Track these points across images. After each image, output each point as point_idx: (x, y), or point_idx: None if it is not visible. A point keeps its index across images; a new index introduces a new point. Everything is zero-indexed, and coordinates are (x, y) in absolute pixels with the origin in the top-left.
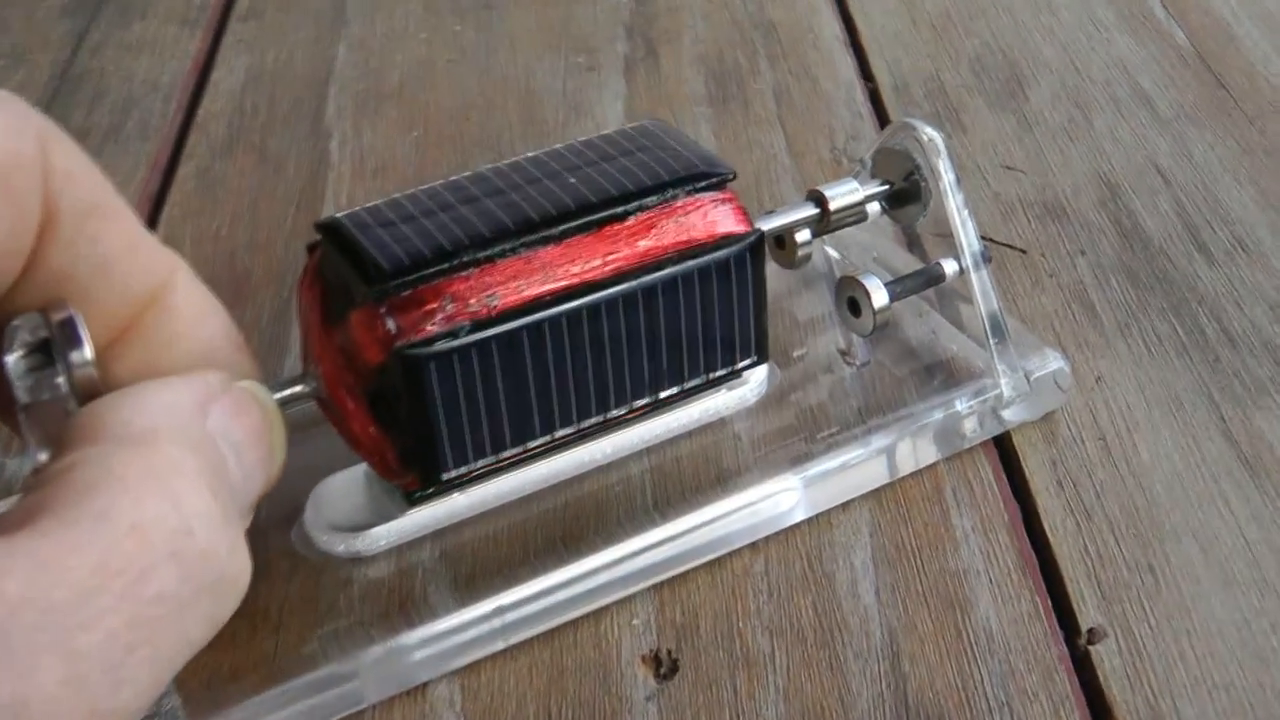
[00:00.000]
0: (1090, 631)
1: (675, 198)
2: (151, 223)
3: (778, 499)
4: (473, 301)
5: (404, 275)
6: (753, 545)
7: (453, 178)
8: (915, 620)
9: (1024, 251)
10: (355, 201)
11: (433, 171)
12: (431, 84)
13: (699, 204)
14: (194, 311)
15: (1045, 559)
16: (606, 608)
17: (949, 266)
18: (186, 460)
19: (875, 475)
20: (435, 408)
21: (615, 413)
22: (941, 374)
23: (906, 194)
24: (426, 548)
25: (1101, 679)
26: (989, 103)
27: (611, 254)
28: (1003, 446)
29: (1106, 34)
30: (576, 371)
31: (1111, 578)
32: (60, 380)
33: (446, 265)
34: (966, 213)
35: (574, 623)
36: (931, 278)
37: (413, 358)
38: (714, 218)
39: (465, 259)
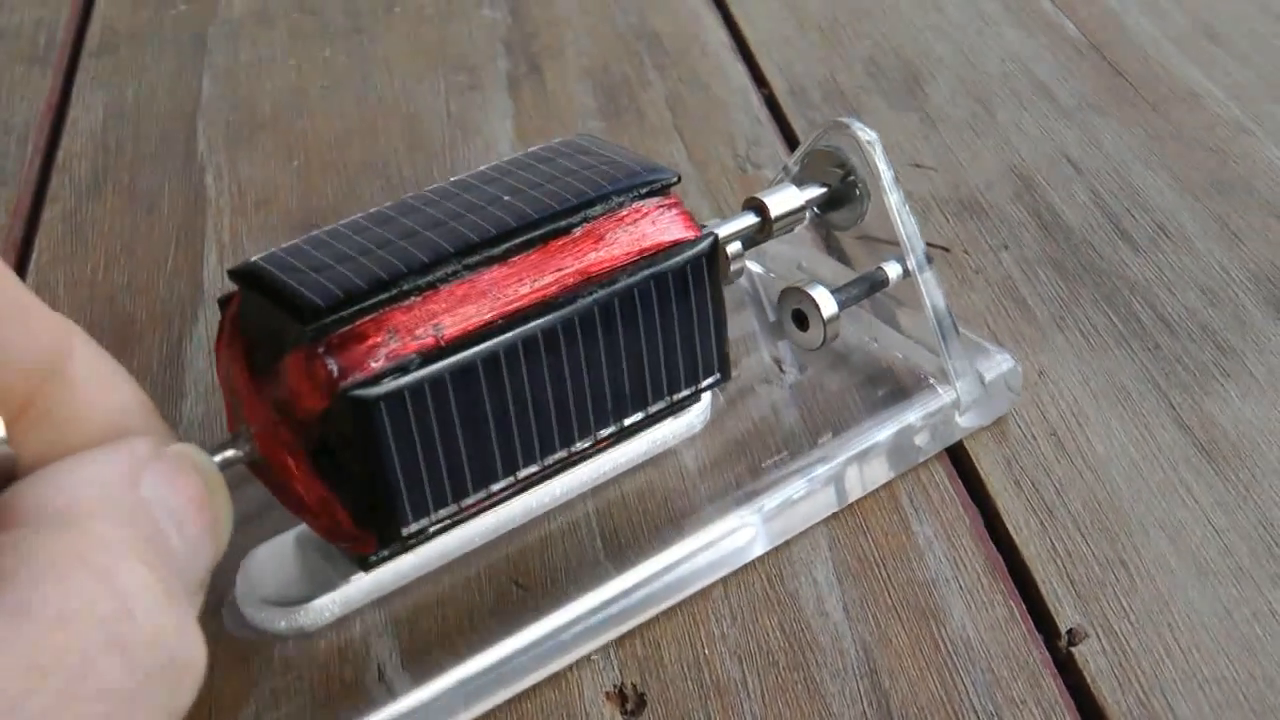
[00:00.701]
0: (1070, 632)
1: (620, 206)
2: (20, 270)
3: (736, 536)
4: (418, 332)
5: (340, 309)
6: None
7: (374, 209)
8: (889, 634)
9: (947, 249)
10: (239, 236)
11: (318, 201)
12: (307, 111)
13: (645, 211)
14: (97, 381)
15: (1013, 561)
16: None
17: (891, 270)
18: (116, 534)
19: (831, 501)
20: (390, 453)
21: (580, 445)
22: (886, 384)
23: (841, 197)
24: (371, 615)
25: (1089, 680)
26: (889, 103)
27: (560, 269)
28: (954, 449)
29: (996, 28)
30: (536, 400)
31: (1084, 575)
32: None
33: (385, 295)
34: (908, 213)
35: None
36: (875, 283)
37: (361, 399)
38: (663, 224)
39: (405, 287)
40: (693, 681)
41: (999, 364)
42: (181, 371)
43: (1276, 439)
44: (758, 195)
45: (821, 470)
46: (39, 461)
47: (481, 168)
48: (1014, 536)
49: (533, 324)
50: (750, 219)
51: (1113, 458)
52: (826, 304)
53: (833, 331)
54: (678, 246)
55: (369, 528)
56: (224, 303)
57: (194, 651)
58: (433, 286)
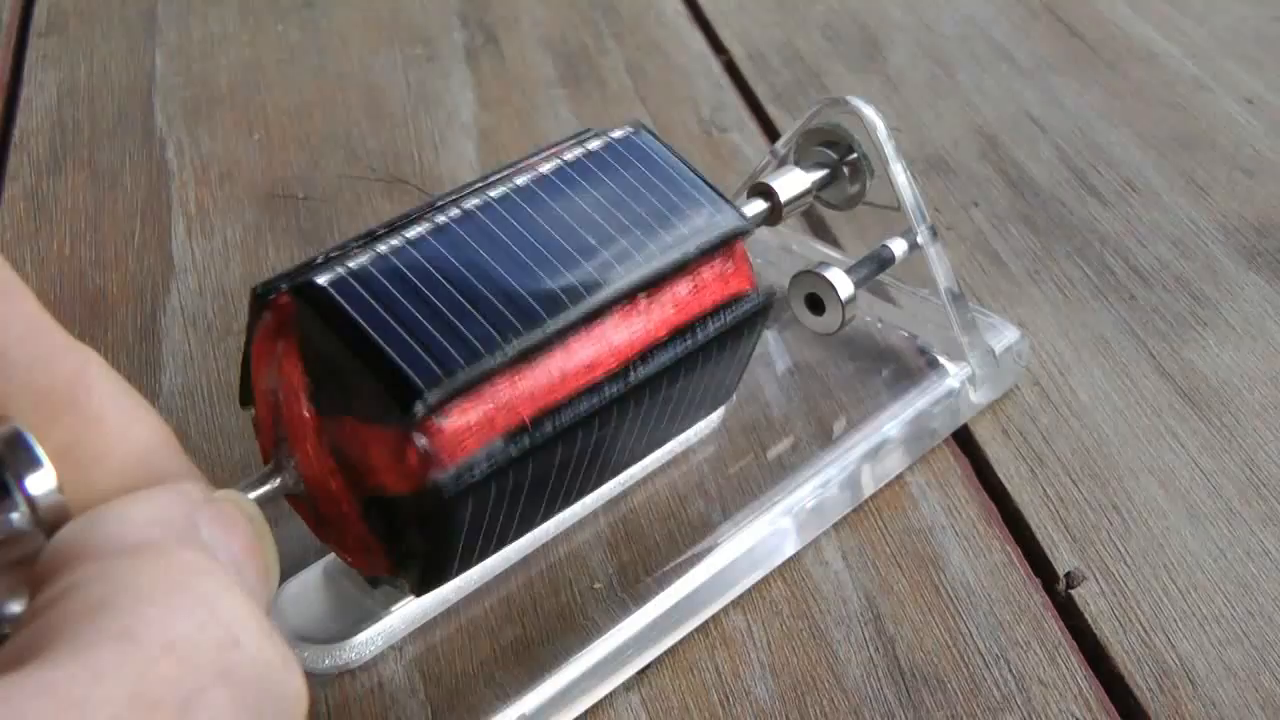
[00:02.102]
0: (1069, 575)
1: (696, 265)
2: None
3: (768, 541)
4: (506, 413)
5: (437, 391)
6: None
7: (438, 218)
8: (890, 581)
9: None
10: (206, 208)
11: (283, 172)
12: (265, 85)
13: (713, 261)
14: (119, 415)
15: (1007, 508)
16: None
17: (897, 247)
18: (210, 563)
19: (856, 493)
20: (460, 534)
21: (619, 478)
22: (889, 364)
23: (831, 175)
24: (392, 658)
25: (1090, 621)
26: (849, 67)
27: (634, 334)
28: None
29: None
30: (596, 457)
31: (1078, 520)
32: (17, 515)
33: (479, 373)
34: (916, 188)
35: None
36: (883, 261)
37: (448, 492)
38: (728, 275)
39: (497, 362)
40: (698, 632)
41: (1007, 336)
42: (158, 344)
43: (1256, 383)
44: (764, 180)
45: (845, 465)
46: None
47: (540, 169)
48: (1005, 484)
49: (607, 393)
50: (759, 205)
51: (1097, 406)
52: (843, 285)
53: (850, 313)
54: (739, 300)
55: (411, 577)
56: (264, 294)
57: (298, 687)
58: (523, 358)
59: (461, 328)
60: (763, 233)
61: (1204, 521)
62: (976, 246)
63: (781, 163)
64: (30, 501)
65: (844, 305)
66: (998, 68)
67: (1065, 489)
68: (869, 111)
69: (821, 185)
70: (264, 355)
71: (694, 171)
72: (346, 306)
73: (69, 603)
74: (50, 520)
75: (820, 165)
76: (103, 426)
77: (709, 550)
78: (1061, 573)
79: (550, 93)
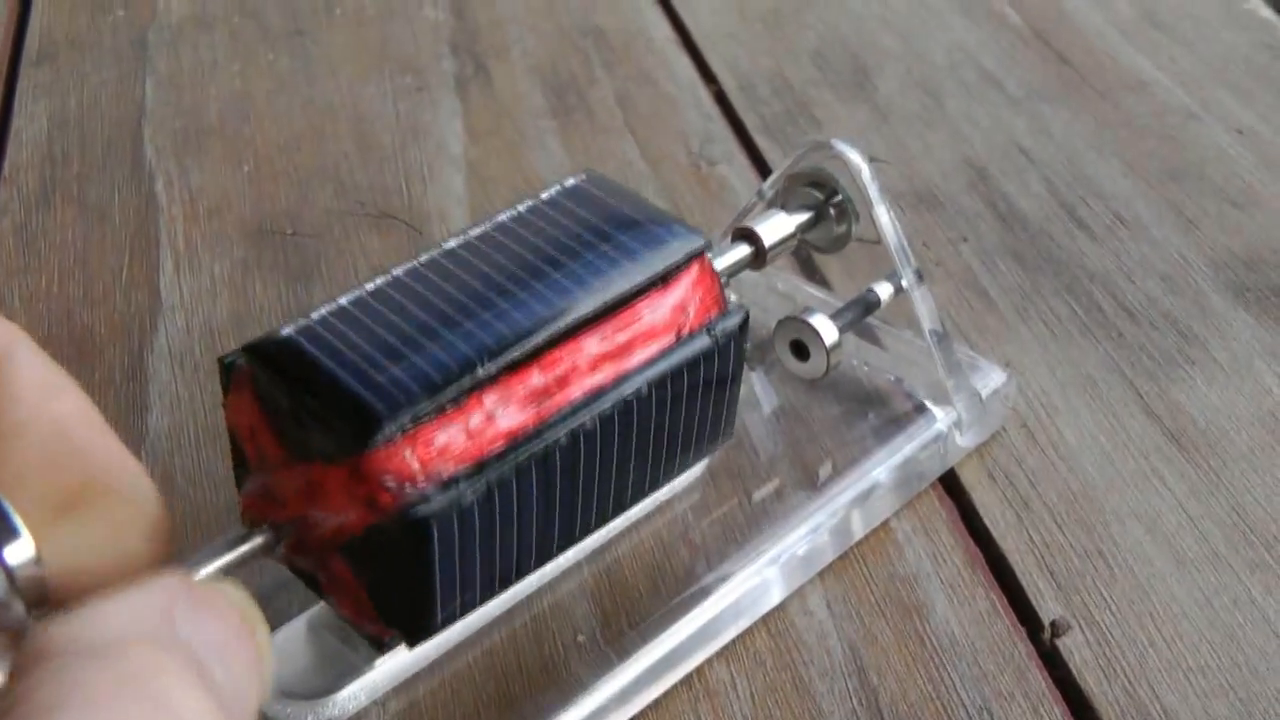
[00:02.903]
0: (1053, 624)
1: (653, 287)
2: None
3: (754, 591)
4: (468, 441)
5: (396, 418)
6: None
7: (397, 273)
8: (874, 631)
9: None
10: (194, 244)
11: (271, 206)
12: (254, 116)
13: (677, 282)
14: (39, 392)
15: (992, 554)
16: None
17: (883, 290)
18: (167, 660)
19: (843, 540)
20: (434, 569)
21: (609, 522)
22: (874, 407)
23: (817, 217)
24: (375, 713)
25: (1074, 672)
26: (839, 96)
27: (599, 363)
28: None
29: (941, 18)
30: (576, 492)
31: (1063, 567)
32: None
33: (435, 403)
34: (901, 232)
35: None
36: (868, 305)
37: (417, 522)
38: (696, 297)
39: (453, 393)
40: (682, 685)
41: (994, 378)
42: (145, 384)
43: (1243, 424)
44: (747, 224)
45: (831, 513)
46: None
47: (497, 219)
48: (991, 530)
49: (575, 422)
50: (743, 250)
51: (1084, 448)
52: (828, 332)
53: (835, 359)
54: (711, 323)
55: (397, 626)
56: (228, 367)
57: None
58: (480, 386)
59: (416, 360)
60: (749, 274)
61: (1190, 568)
62: (965, 283)
63: (769, 204)
64: (8, 572)
65: (829, 352)
66: (988, 96)
67: (1051, 534)
68: (853, 156)
69: (806, 228)
70: (236, 422)
71: (646, 203)
72: (299, 347)
73: (24, 704)
74: (28, 590)
75: (806, 207)
76: (19, 400)
77: (693, 601)
78: (1046, 621)
79: (539, 124)
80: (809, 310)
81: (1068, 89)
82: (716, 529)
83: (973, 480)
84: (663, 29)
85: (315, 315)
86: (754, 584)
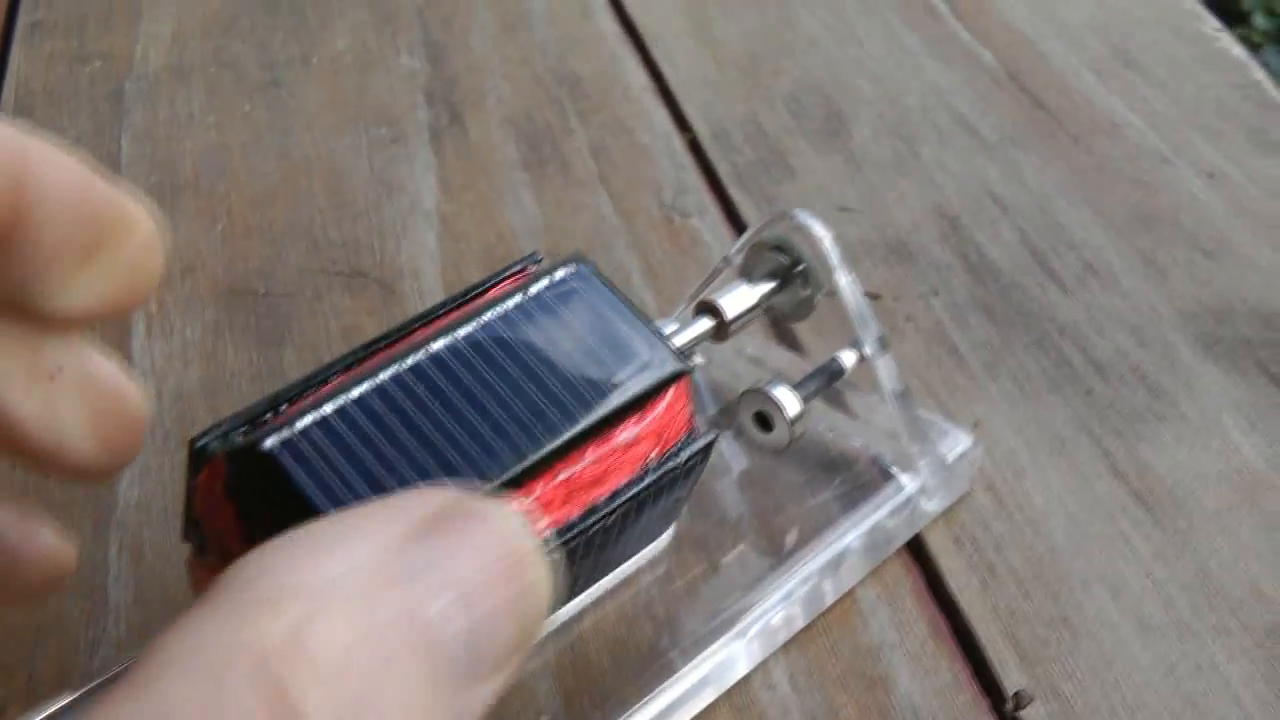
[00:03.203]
0: (1017, 695)
1: (632, 415)
2: None
3: (720, 667)
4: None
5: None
6: None
7: (384, 378)
8: (836, 705)
9: (877, 297)
10: (166, 306)
11: (244, 266)
12: (229, 171)
13: (653, 409)
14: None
15: (957, 623)
16: None
17: (847, 358)
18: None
19: (811, 609)
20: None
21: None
22: (840, 472)
23: (783, 283)
24: None
25: None
26: (812, 144)
27: (576, 489)
28: None
29: (915, 61)
30: None
31: (1028, 635)
32: None
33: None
34: (864, 301)
35: None
36: (833, 374)
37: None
38: (669, 423)
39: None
40: None
41: (959, 443)
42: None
43: (1210, 483)
44: (710, 298)
45: (796, 584)
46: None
47: (484, 318)
48: (956, 597)
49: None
50: (705, 324)
51: (1051, 511)
52: (790, 404)
53: (799, 431)
54: (678, 448)
55: None
56: (201, 452)
57: None
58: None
59: (384, 483)
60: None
61: (1155, 634)
62: (935, 339)
63: (739, 271)
64: None
65: (791, 424)
66: (961, 142)
67: (1016, 602)
68: (814, 226)
69: (769, 298)
70: (201, 504)
71: (632, 311)
72: (284, 469)
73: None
74: None
75: (773, 273)
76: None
77: (657, 678)
78: (1010, 693)
79: (513, 176)
80: (772, 381)
81: (1041, 133)
82: (681, 602)
83: (939, 546)
84: (639, 76)
85: (299, 424)
86: (719, 658)
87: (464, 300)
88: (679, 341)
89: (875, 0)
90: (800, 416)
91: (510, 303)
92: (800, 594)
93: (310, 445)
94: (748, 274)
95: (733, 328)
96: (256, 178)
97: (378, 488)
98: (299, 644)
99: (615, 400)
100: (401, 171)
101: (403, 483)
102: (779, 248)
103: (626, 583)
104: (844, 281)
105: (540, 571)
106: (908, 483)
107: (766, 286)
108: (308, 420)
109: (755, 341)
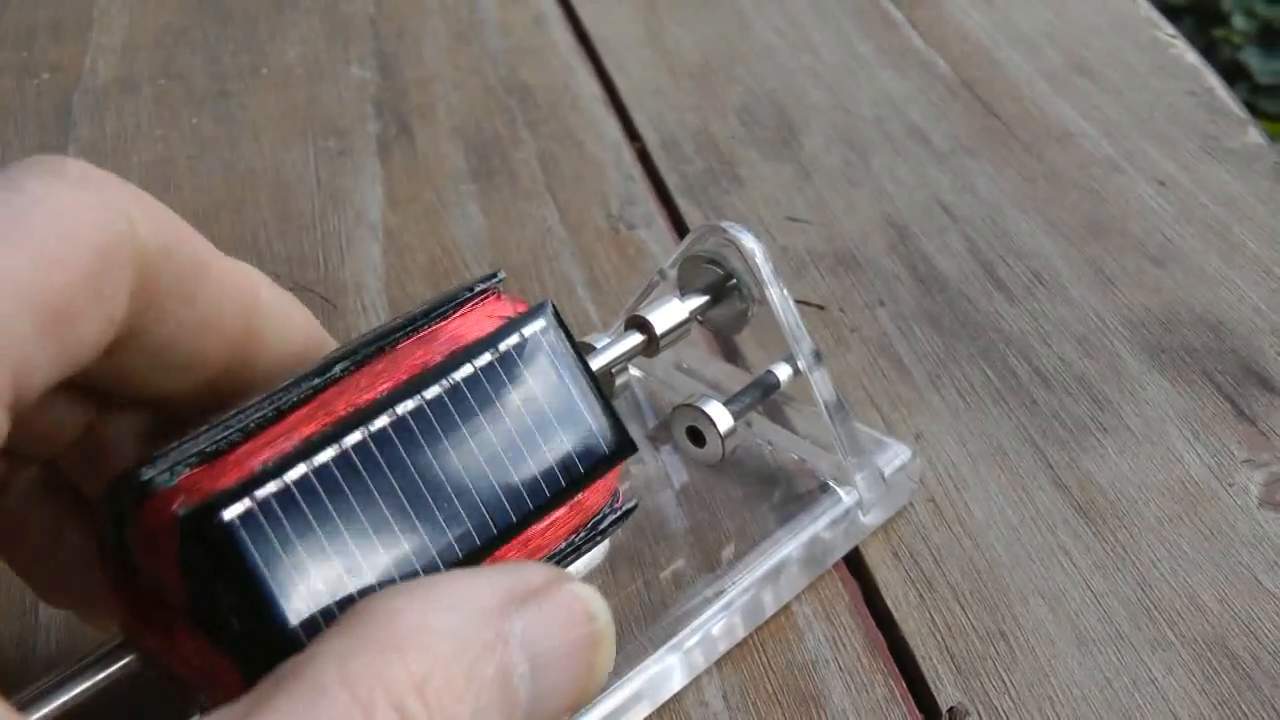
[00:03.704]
0: (951, 711)
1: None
2: None
3: (654, 678)
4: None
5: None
6: None
7: (348, 444)
8: None
9: (822, 308)
10: None
11: None
12: (174, 184)
13: (594, 487)
14: (284, 323)
15: (893, 638)
16: None
17: (781, 372)
18: (442, 672)
19: (748, 622)
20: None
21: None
22: (779, 485)
23: (718, 296)
24: None
25: None
26: (763, 154)
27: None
28: None
29: (869, 69)
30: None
31: (964, 649)
32: None
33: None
34: (796, 314)
35: None
36: (767, 388)
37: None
38: (600, 493)
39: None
40: None
41: (897, 456)
42: None
43: (1152, 494)
44: (640, 313)
45: (732, 598)
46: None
47: (453, 377)
48: (893, 611)
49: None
50: (635, 339)
51: (991, 523)
52: (722, 419)
53: (731, 445)
54: (603, 516)
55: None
56: (144, 485)
57: None
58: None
59: (346, 579)
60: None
61: (1092, 648)
62: (880, 350)
63: (675, 285)
64: None
65: (723, 439)
66: (912, 151)
67: (953, 615)
68: (745, 239)
69: (702, 312)
70: (140, 544)
71: (585, 376)
72: (241, 545)
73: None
74: None
75: (709, 285)
76: (269, 340)
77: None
78: (944, 708)
79: (460, 188)
80: (704, 397)
81: (993, 141)
82: (616, 617)
83: (877, 559)
84: (591, 86)
85: (260, 493)
86: (654, 671)
87: (424, 322)
88: (608, 356)
89: (831, 8)
90: (732, 431)
91: (479, 362)
92: (739, 604)
93: (269, 518)
94: (684, 287)
95: (663, 342)
96: (202, 191)
97: (329, 571)
98: (427, 687)
99: (560, 484)
100: (348, 184)
101: (351, 569)
102: (713, 261)
103: None
104: (775, 295)
105: (606, 652)
106: (845, 495)
107: (697, 301)
108: (269, 489)
109: (694, 354)
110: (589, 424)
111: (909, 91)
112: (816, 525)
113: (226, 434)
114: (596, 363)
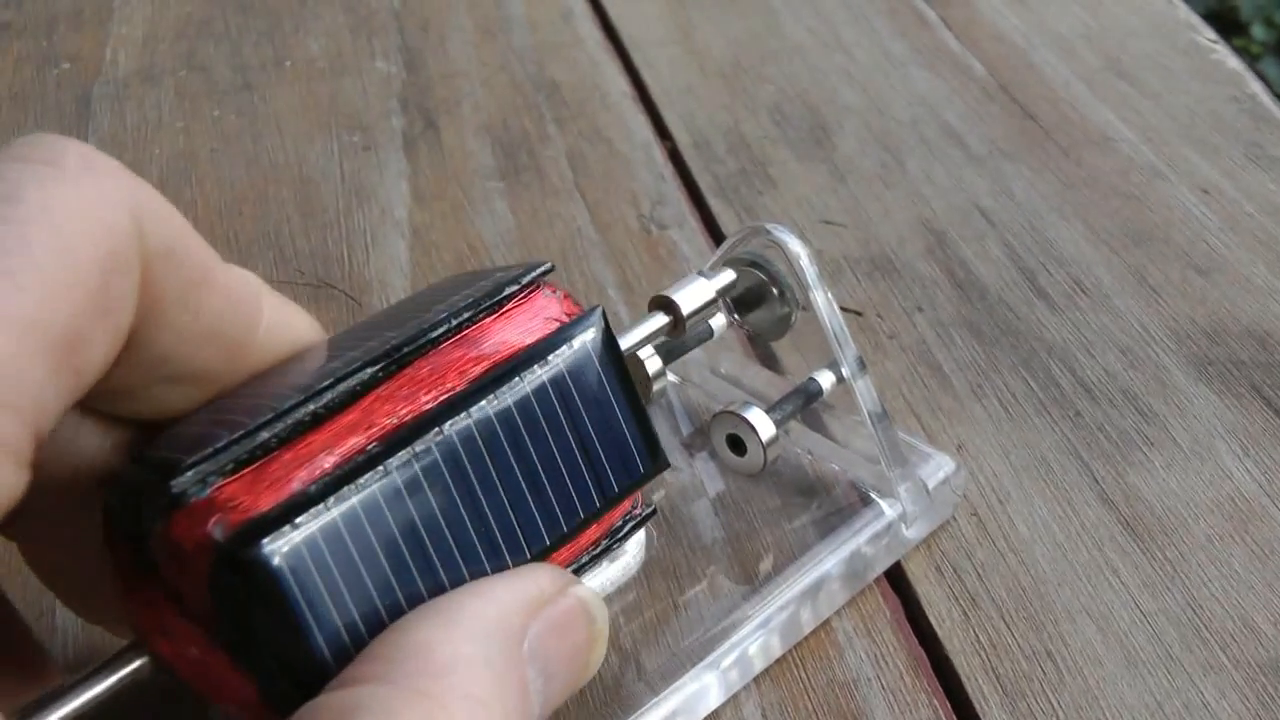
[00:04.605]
0: None
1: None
2: None
3: (691, 698)
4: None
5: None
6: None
7: (397, 478)
8: None
9: (860, 314)
10: None
11: None
12: (196, 178)
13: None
14: (285, 332)
15: (936, 656)
16: None
17: (824, 380)
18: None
19: (788, 639)
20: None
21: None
22: (818, 496)
23: (759, 300)
24: None
25: None
26: (796, 154)
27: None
28: None
29: (903, 70)
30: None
31: (1010, 669)
32: None
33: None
34: (840, 320)
35: None
36: (809, 395)
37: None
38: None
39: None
40: None
41: (941, 468)
42: None
43: (1201, 511)
44: (664, 292)
45: (770, 614)
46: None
47: (487, 410)
48: (936, 629)
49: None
50: (660, 320)
51: (1036, 539)
52: (764, 427)
53: (773, 455)
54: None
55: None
56: (177, 497)
57: None
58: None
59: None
60: (695, 355)
61: (1142, 669)
62: (919, 358)
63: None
64: None
65: (765, 448)
66: (949, 154)
67: (998, 634)
68: (791, 242)
69: (727, 290)
70: (169, 560)
71: (629, 392)
72: (285, 589)
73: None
74: None
75: (750, 290)
76: (272, 345)
77: (623, 711)
78: None
79: (487, 185)
80: (745, 404)
81: (1031, 145)
82: (650, 633)
83: (919, 574)
84: (619, 83)
85: (302, 530)
86: (690, 690)
87: (468, 318)
88: (634, 336)
89: (863, 8)
90: (774, 440)
91: (529, 379)
92: (777, 622)
93: (309, 550)
94: (725, 292)
95: (690, 323)
96: (225, 185)
97: (364, 596)
98: None
99: (596, 505)
100: (373, 179)
101: (383, 592)
102: (754, 264)
103: None
104: (820, 300)
105: (600, 649)
106: (887, 509)
107: (724, 279)
108: (312, 519)
109: (732, 360)
110: (628, 441)
111: (944, 93)
112: (858, 539)
113: (262, 439)
114: (624, 344)
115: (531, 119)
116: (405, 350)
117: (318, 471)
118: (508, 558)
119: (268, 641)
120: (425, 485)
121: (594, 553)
